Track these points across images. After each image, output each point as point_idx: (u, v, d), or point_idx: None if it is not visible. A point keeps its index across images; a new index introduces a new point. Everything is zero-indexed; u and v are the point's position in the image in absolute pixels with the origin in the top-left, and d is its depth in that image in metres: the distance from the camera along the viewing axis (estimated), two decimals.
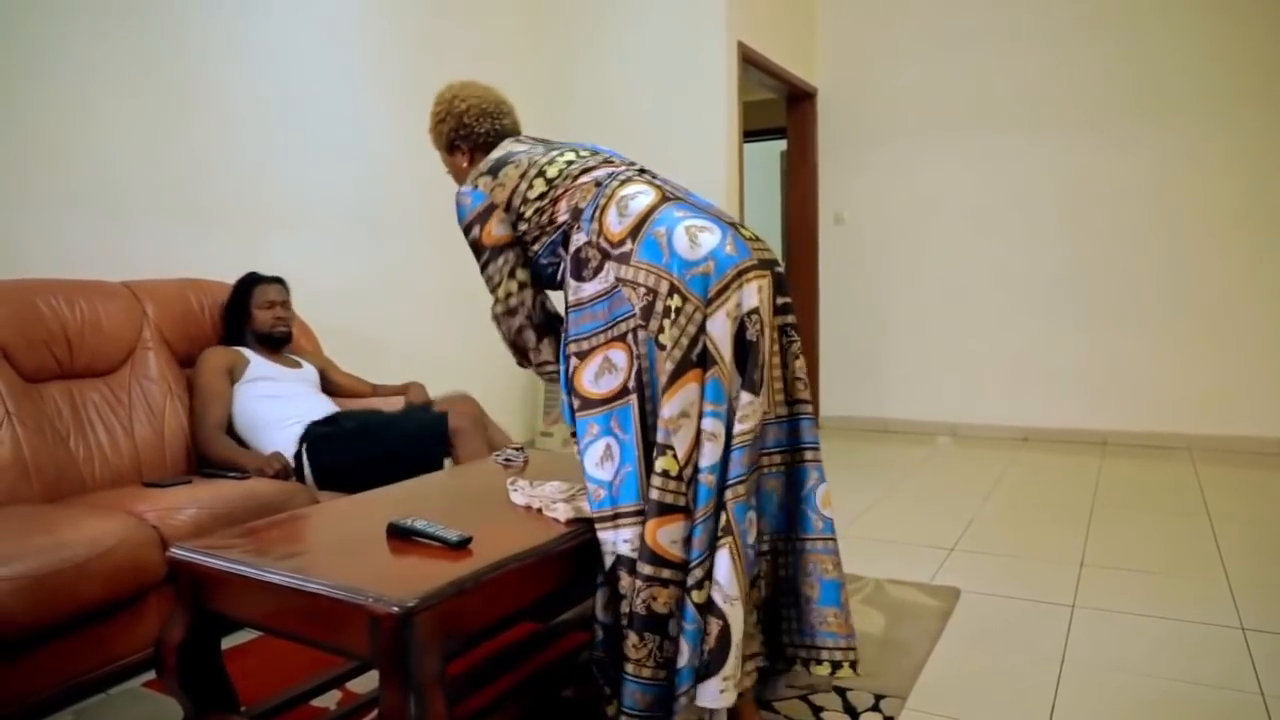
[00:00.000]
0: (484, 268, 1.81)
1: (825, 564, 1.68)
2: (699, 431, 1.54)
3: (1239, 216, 4.53)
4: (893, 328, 5.40)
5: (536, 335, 1.81)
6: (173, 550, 1.58)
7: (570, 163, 1.79)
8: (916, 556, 2.95)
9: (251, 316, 2.82)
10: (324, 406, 2.81)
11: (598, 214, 1.68)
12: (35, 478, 2.21)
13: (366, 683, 1.97)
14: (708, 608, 1.52)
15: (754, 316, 1.58)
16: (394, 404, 3.17)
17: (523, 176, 1.78)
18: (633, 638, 1.53)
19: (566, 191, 1.75)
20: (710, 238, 1.60)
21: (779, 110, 5.76)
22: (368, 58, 3.76)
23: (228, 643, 1.86)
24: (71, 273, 2.62)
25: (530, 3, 4.74)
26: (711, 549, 1.53)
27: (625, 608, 1.55)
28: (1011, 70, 4.98)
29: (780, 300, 1.69)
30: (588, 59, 4.73)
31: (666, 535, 1.52)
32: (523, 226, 1.77)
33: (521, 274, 1.79)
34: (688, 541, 1.53)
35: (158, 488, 2.28)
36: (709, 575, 1.52)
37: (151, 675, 2.03)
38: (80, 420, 2.44)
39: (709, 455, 1.53)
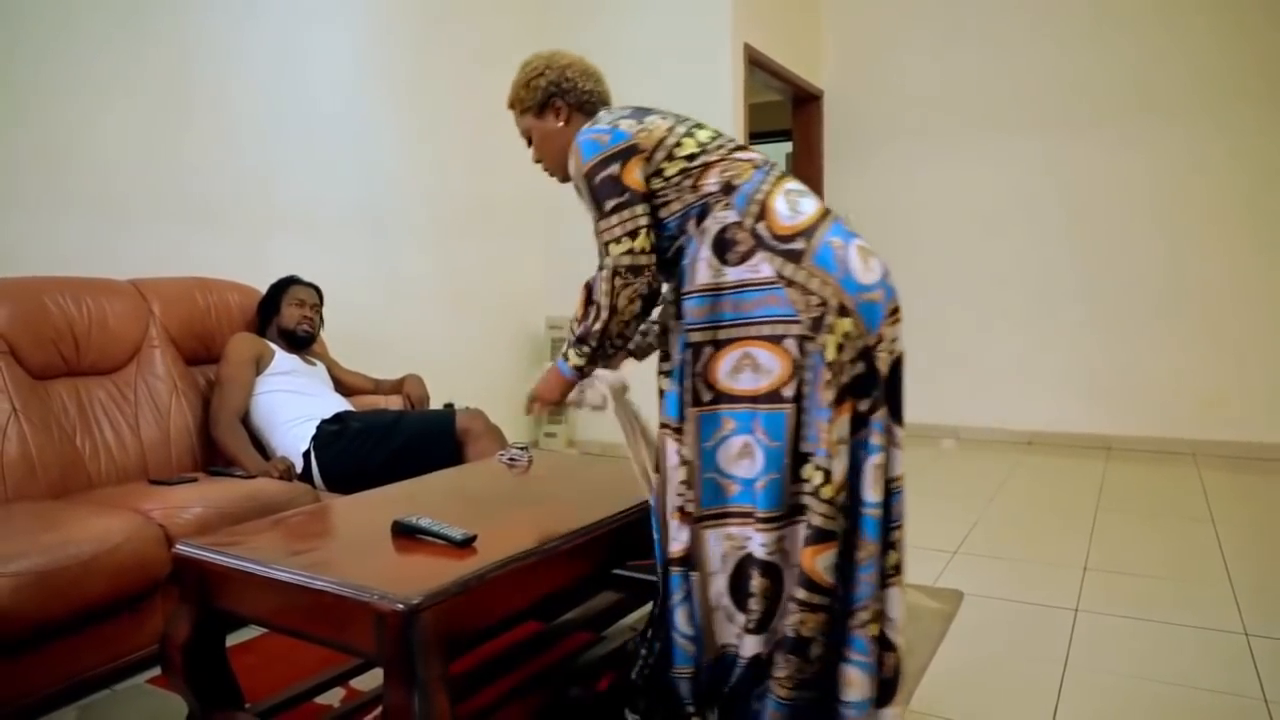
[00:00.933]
0: (612, 212, 1.58)
1: None
2: (860, 463, 1.52)
3: (1242, 217, 4.51)
4: None
5: (645, 310, 1.62)
6: (178, 547, 1.59)
7: (718, 134, 1.69)
8: (920, 559, 2.94)
9: (280, 312, 2.91)
10: (338, 406, 2.83)
11: (760, 197, 1.57)
12: (41, 475, 2.22)
13: (370, 680, 1.97)
14: (882, 642, 1.54)
15: (897, 349, 1.58)
16: (399, 402, 3.18)
17: (670, 130, 1.64)
18: (778, 657, 1.52)
19: (721, 161, 1.61)
20: (879, 265, 1.56)
21: (785, 112, 5.77)
22: (369, 58, 3.77)
23: (232, 639, 1.87)
24: (68, 274, 2.60)
25: (533, 4, 4.75)
26: (882, 586, 1.54)
27: (753, 606, 1.51)
28: (1016, 71, 4.98)
29: None
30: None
31: (823, 561, 1.48)
32: (657, 184, 1.60)
33: (653, 236, 1.59)
34: (839, 568, 1.51)
35: (163, 485, 2.29)
36: (880, 611, 1.54)
37: (156, 671, 2.03)
38: (86, 418, 2.45)
39: (876, 490, 1.51)
